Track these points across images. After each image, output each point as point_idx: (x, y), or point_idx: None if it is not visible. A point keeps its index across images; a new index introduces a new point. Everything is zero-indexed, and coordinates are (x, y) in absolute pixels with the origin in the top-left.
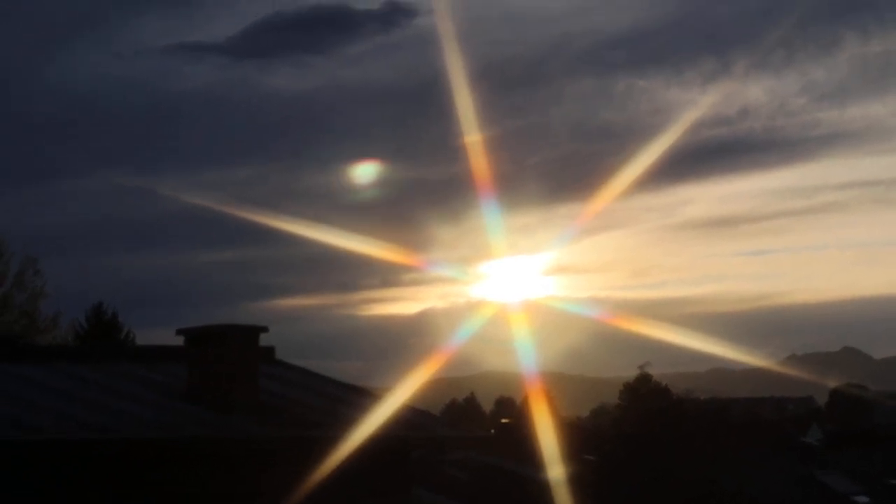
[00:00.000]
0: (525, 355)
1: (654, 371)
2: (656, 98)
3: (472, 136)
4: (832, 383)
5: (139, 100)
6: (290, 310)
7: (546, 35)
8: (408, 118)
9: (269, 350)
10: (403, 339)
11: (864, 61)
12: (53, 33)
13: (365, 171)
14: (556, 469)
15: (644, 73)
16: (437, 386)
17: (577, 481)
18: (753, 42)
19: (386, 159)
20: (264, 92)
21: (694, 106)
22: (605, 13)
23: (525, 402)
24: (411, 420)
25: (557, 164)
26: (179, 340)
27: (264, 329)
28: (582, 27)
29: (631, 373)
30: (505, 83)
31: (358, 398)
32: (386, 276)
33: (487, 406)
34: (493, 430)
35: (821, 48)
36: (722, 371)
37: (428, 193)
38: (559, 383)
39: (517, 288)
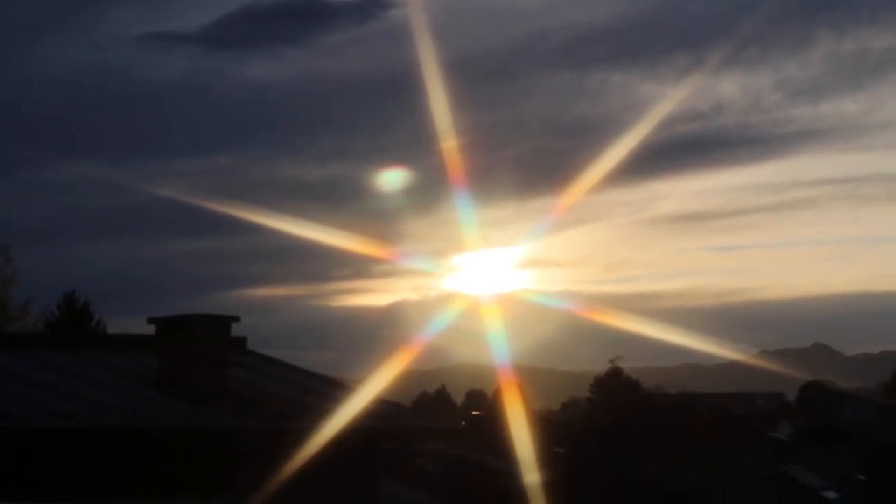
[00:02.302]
0: (497, 348)
1: (626, 365)
2: (630, 93)
3: (447, 129)
4: (802, 379)
5: (113, 89)
6: (262, 300)
7: (521, 29)
8: (383, 110)
9: (241, 340)
10: (375, 331)
11: (838, 58)
12: (27, 22)
13: (339, 163)
14: (526, 462)
15: (618, 67)
16: (408, 378)
17: (548, 474)
18: (727, 38)
19: (360, 151)
20: (239, 82)
21: (668, 101)
22: (580, 8)
23: (496, 394)
24: (382, 412)
25: (531, 157)
26: (151, 329)
27: (236, 319)
28: (557, 22)
29: (602, 366)
30: (480, 76)
31: (329, 389)
32: (359, 267)
33: (459, 398)
34: (463, 423)
35: (794, 45)
36: (693, 366)
37: (401, 185)
38: (531, 376)
39: (490, 281)
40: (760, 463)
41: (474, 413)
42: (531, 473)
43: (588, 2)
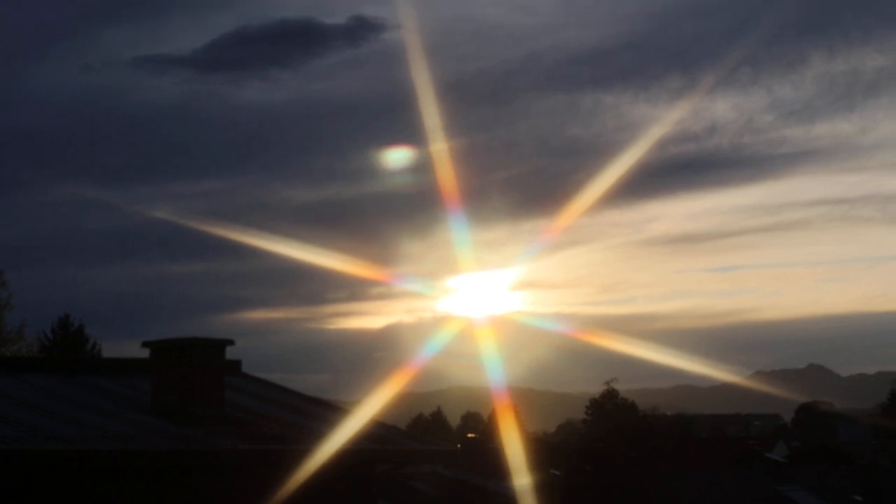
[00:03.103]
0: (492, 370)
1: (621, 386)
2: (623, 114)
3: (440, 151)
4: (798, 400)
5: (107, 112)
6: (256, 323)
7: (514, 51)
8: (376, 132)
9: (236, 363)
10: (370, 353)
11: (831, 79)
12: (21, 45)
13: (333, 186)
14: (522, 483)
15: (611, 89)
16: (403, 400)
17: (544, 496)
18: (720, 59)
19: (354, 173)
20: (231, 105)
21: (661, 123)
22: (573, 30)
23: (492, 416)
24: (377, 434)
25: (525, 179)
26: (145, 353)
27: (230, 342)
28: (550, 43)
29: (597, 388)
30: (473, 98)
31: (324, 412)
32: (353, 289)
33: (454, 421)
34: (459, 445)
35: (787, 66)
36: (688, 387)
37: (395, 208)
38: (526, 398)
39: (484, 303)
40: (757, 484)
41: (470, 435)
42: (527, 495)
43: (581, 23)
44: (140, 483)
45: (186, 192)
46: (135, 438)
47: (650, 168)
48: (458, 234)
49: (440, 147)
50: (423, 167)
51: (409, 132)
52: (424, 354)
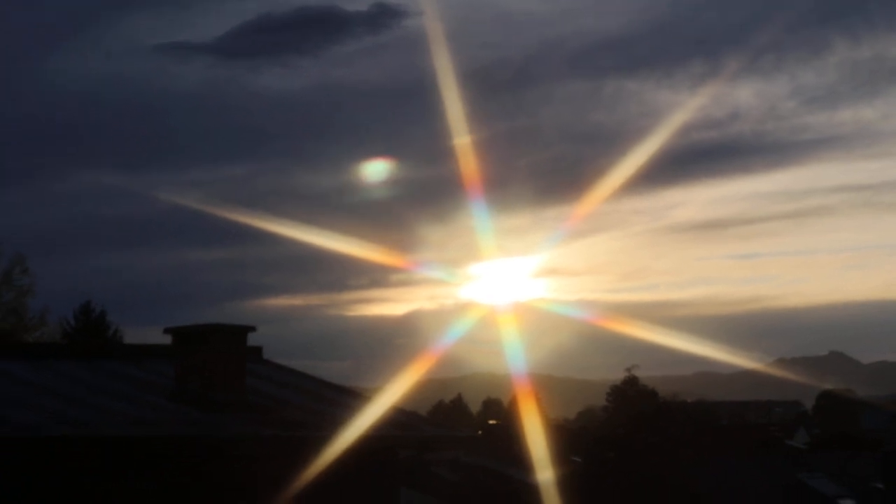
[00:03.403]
0: (513, 357)
1: (642, 373)
2: (646, 101)
3: (462, 138)
4: (819, 387)
5: (129, 99)
6: (278, 309)
7: (536, 37)
8: (397, 119)
9: (257, 350)
10: (391, 340)
11: (854, 65)
12: (43, 33)
13: (354, 172)
14: (542, 470)
15: (634, 75)
16: (424, 387)
17: (564, 483)
18: (743, 45)
19: (375, 160)
20: (253, 92)
21: (684, 109)
22: (595, 16)
23: (512, 403)
24: (398, 420)
25: (547, 166)
26: (167, 339)
27: (252, 329)
28: (572, 30)
29: (618, 375)
30: (495, 85)
31: (345, 398)
32: (374, 276)
33: (475, 407)
34: (480, 432)
35: (810, 52)
36: (709, 374)
37: (417, 195)
38: (547, 385)
39: (506, 290)
40: (777, 471)
41: (490, 422)
42: (548, 482)
43: (603, 10)
44: (162, 468)
45: (208, 179)
46: (157, 424)
47: (672, 155)
48: (480, 220)
49: (462, 134)
50: (444, 154)
51: (431, 119)
52: (446, 341)
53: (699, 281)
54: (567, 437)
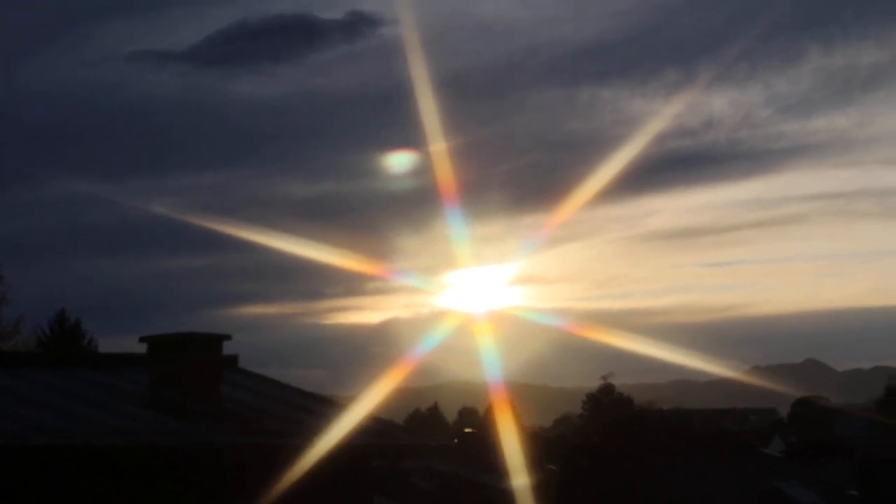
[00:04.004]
0: (489, 365)
1: (618, 381)
2: (621, 109)
3: (437, 146)
4: (795, 395)
5: (105, 106)
6: (253, 318)
7: (511, 45)
8: (373, 127)
9: (233, 358)
10: (367, 348)
11: (828, 73)
12: (18, 39)
13: (331, 180)
14: (518, 478)
15: (609, 84)
16: (400, 395)
17: (540, 491)
18: (718, 54)
19: (351, 168)
20: (229, 100)
21: (658, 117)
22: (570, 24)
23: (488, 411)
24: (373, 429)
25: (522, 173)
26: (142, 348)
27: (227, 337)
28: (548, 38)
29: (594, 383)
30: (470, 93)
31: (321, 407)
32: (350, 284)
33: (451, 416)
34: (455, 440)
35: (785, 60)
36: (685, 382)
37: (392, 203)
38: (523, 393)
39: (481, 298)
40: (752, 478)
41: (466, 430)
42: (523, 489)
43: (578, 18)
44: (138, 478)
45: (183, 187)
46: (133, 433)
47: (647, 163)
48: (456, 228)
49: (437, 142)
50: (420, 162)
51: (407, 127)
52: (422, 349)
53: (674, 289)
54: (543, 445)
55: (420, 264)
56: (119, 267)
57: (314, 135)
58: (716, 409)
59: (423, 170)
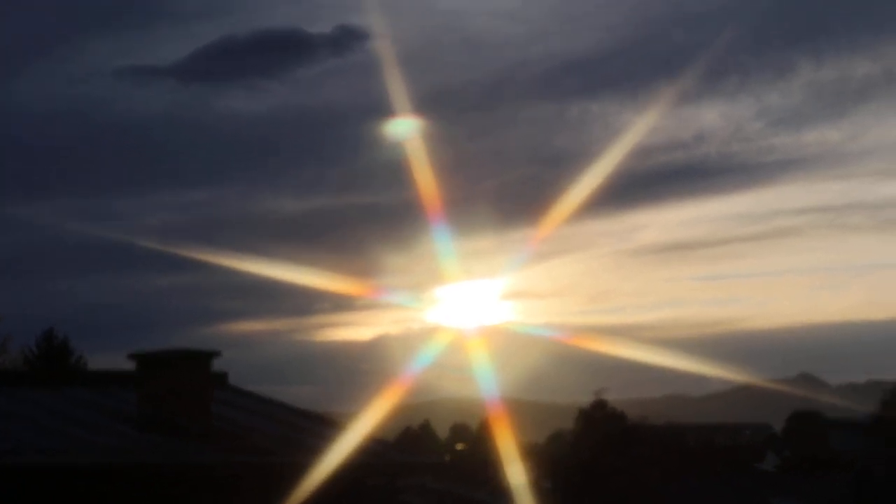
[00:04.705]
0: (481, 381)
1: (610, 397)
2: (610, 123)
3: (426, 161)
4: (789, 409)
5: (90, 123)
6: (242, 334)
7: (500, 60)
8: (361, 142)
9: (222, 375)
10: (358, 365)
11: (819, 86)
12: (2, 56)
13: (319, 197)
14: (511, 496)
15: (598, 97)
16: (391, 412)
17: None
18: (708, 67)
19: (339, 184)
20: (216, 115)
21: (649, 131)
22: (559, 38)
23: (481, 428)
24: (366, 447)
25: (512, 188)
26: (131, 365)
27: (216, 354)
28: (536, 52)
29: (587, 398)
30: (459, 107)
31: (312, 424)
32: (339, 300)
33: (443, 433)
34: (448, 457)
35: (775, 73)
36: (678, 397)
37: (380, 218)
38: (515, 409)
39: (472, 313)
40: (746, 493)
41: (458, 447)
42: None
43: (567, 32)
44: (126, 497)
45: (171, 203)
46: (122, 451)
47: (638, 176)
48: (445, 244)
49: (426, 157)
50: (409, 177)
51: (395, 142)
52: (413, 367)
53: (666, 303)
54: (536, 462)
55: (410, 280)
56: (107, 284)
57: (303, 150)
58: (709, 423)
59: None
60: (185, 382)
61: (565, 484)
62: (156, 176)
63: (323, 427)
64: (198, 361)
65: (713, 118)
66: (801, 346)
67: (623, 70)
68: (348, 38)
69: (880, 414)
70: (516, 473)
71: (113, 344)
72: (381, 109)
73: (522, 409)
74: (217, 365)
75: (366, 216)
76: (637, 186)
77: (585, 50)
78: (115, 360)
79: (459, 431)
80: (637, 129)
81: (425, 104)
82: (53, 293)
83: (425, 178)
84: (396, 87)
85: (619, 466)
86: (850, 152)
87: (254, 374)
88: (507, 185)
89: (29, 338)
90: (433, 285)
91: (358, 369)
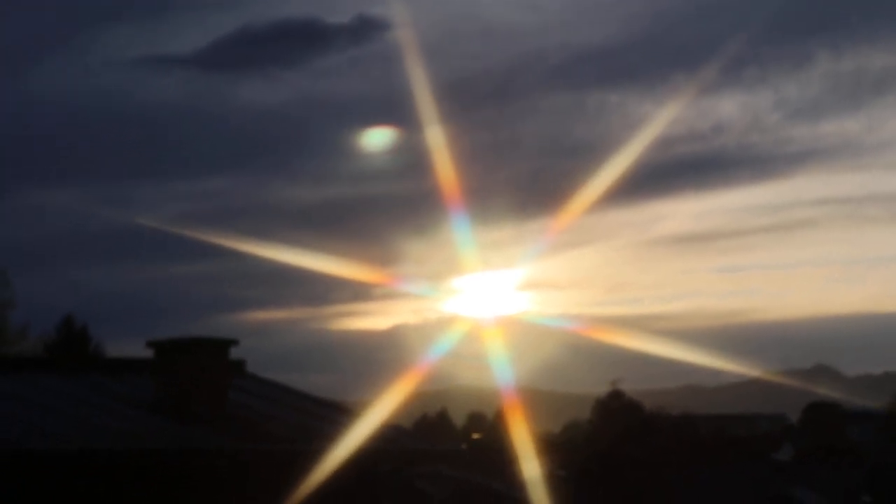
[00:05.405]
0: (497, 370)
1: (627, 387)
2: (629, 113)
3: (444, 151)
4: (805, 400)
5: (109, 112)
6: (260, 323)
7: (519, 50)
8: (379, 133)
9: (240, 363)
10: (375, 354)
11: (837, 77)
12: (21, 48)
13: (337, 185)
14: (527, 485)
15: (616, 88)
16: (408, 400)
17: (550, 497)
18: (726, 58)
19: (357, 173)
20: (235, 105)
21: (667, 122)
22: (577, 28)
23: (497, 417)
24: (382, 434)
25: (530, 178)
26: (149, 352)
27: (234, 342)
28: (555, 42)
29: (603, 388)
30: (477, 97)
31: (329, 412)
32: (357, 290)
33: (459, 421)
34: (464, 445)
35: (793, 64)
36: (694, 387)
37: (399, 208)
38: (531, 398)
39: (490, 303)
40: (763, 484)
41: (475, 435)
42: (533, 496)
43: (585, 22)
44: (143, 483)
45: (189, 192)
46: (139, 438)
47: (656, 167)
48: (463, 234)
49: (444, 146)
50: (427, 167)
51: (414, 132)
52: (430, 355)
53: (684, 294)
54: (552, 451)
55: (427, 270)
56: (126, 273)
57: (319, 140)
58: (725, 414)
59: (430, 175)
60: (202, 370)
61: (581, 473)
62: (174, 165)
63: (339, 415)
64: (216, 349)
65: (731, 109)
66: (818, 338)
67: (641, 60)
68: (367, 28)
69: (895, 406)
70: (532, 463)
71: (131, 331)
72: (400, 98)
73: (539, 399)
74: (235, 353)
75: (384, 206)
76: (655, 177)
77: (604, 40)
78: (134, 347)
79: (476, 420)
80: (655, 120)
81: (443, 94)
82: (73, 281)
83: (443, 168)
84: (414, 76)
85: (636, 456)
86: (867, 144)
87: (272, 362)
88: (524, 175)
89: (48, 325)
90: (451, 275)
91: (375, 358)
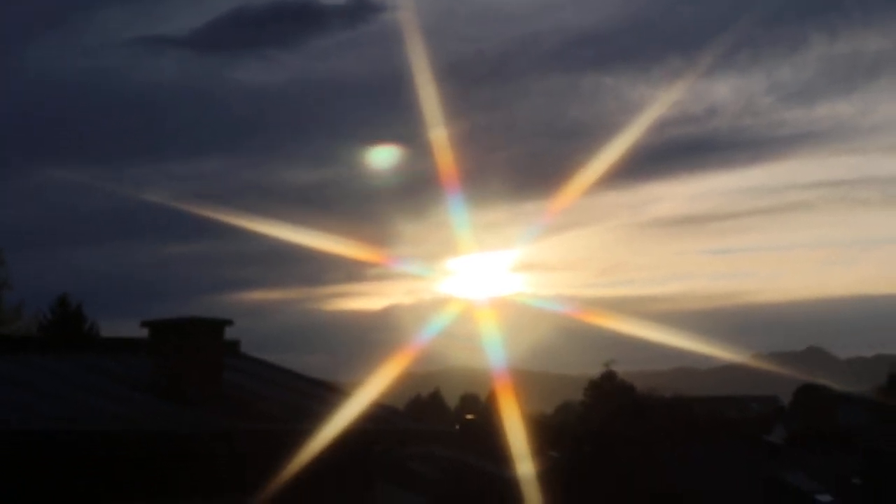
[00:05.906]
0: (491, 351)
1: (619, 368)
2: (623, 96)
3: (439, 132)
4: (797, 382)
5: (105, 93)
6: (255, 303)
7: (515, 32)
8: (375, 113)
9: (234, 343)
10: (369, 335)
11: (831, 61)
12: (18, 27)
13: (332, 166)
14: (519, 465)
15: (611, 70)
16: (401, 381)
17: (541, 478)
18: (720, 41)
19: (352, 154)
20: (230, 86)
21: (661, 104)
22: (572, 11)
23: (490, 398)
24: (375, 414)
25: (524, 160)
26: (144, 333)
27: (229, 322)
28: (549, 24)
29: (596, 370)
30: (473, 79)
31: (323, 392)
32: (351, 270)
33: (452, 402)
34: (457, 426)
35: (787, 47)
36: (687, 369)
37: (394, 189)
38: (524, 380)
39: (484, 284)
40: (754, 466)
41: (468, 416)
42: (524, 476)
43: (580, 4)
44: (138, 463)
45: (184, 173)
46: (134, 418)
47: (650, 150)
48: (458, 215)
49: (439, 128)
50: (421, 148)
51: (408, 113)
52: (423, 336)
53: (677, 276)
54: (545, 432)
55: (422, 251)
56: (121, 253)
57: (316, 121)
58: (717, 396)
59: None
60: (197, 350)
61: (574, 454)
62: (169, 145)
63: (333, 395)
64: (210, 329)
65: (725, 92)
66: (811, 320)
67: (636, 44)
68: (362, 10)
69: (888, 387)
70: (524, 443)
71: (126, 311)
72: (395, 80)
73: (531, 380)
74: (230, 333)
75: (379, 187)
76: (649, 160)
77: (599, 22)
78: (129, 327)
79: (469, 401)
80: (650, 102)
81: (439, 76)
82: (67, 261)
83: (439, 150)
84: (409, 58)
85: (628, 436)
86: (861, 127)
87: (266, 342)
88: (519, 156)
89: (43, 305)
90: (445, 256)
91: (369, 339)
